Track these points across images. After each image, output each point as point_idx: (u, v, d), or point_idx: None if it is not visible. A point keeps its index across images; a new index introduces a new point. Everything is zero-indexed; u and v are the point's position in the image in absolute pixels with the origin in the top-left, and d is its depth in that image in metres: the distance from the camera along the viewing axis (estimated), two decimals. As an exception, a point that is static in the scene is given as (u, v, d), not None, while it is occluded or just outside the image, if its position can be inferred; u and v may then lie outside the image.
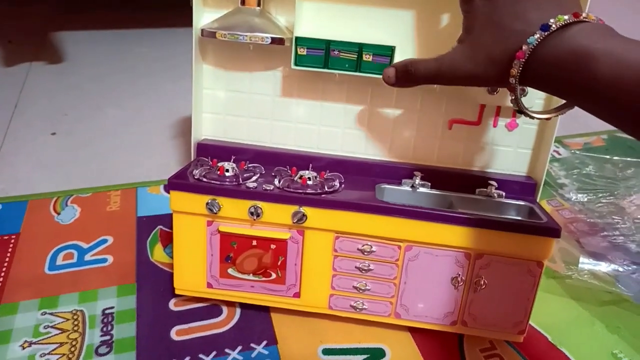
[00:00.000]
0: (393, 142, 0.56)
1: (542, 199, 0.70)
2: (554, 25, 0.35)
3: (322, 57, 0.51)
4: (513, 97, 0.39)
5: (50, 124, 0.86)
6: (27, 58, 1.07)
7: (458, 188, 0.53)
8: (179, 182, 0.48)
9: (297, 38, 0.50)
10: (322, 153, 0.57)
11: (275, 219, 0.48)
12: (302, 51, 0.51)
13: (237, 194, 0.48)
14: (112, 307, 0.53)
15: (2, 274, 0.56)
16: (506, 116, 0.54)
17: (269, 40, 0.50)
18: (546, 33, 0.35)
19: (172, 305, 0.54)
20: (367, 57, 0.50)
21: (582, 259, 0.60)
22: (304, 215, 0.47)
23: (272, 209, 0.48)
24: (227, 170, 0.50)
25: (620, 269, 0.60)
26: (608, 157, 0.83)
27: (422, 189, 0.52)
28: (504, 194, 0.52)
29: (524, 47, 0.36)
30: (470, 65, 0.40)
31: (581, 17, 0.35)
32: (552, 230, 0.46)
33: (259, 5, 0.52)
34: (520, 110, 0.40)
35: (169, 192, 0.49)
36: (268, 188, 0.48)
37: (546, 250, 0.47)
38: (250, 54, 0.54)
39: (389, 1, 0.51)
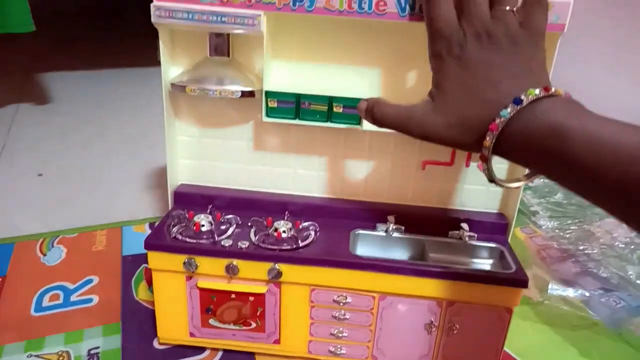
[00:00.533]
0: (367, 182, 0.57)
1: (516, 226, 0.72)
2: (525, 100, 0.36)
3: (293, 108, 0.51)
4: (485, 167, 0.39)
5: (37, 165, 0.87)
6: (14, 100, 1.08)
7: (431, 230, 0.54)
8: (155, 243, 0.49)
9: (266, 92, 0.50)
10: (298, 195, 0.57)
11: (252, 274, 0.49)
12: (273, 103, 0.51)
13: (213, 252, 0.49)
14: (97, 347, 0.55)
15: (-11, 317, 0.58)
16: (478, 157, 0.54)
17: (239, 94, 0.50)
18: (518, 107, 0.36)
19: (157, 344, 0.55)
20: (337, 109, 0.50)
21: (551, 285, 0.62)
22: (279, 272, 0.49)
23: (248, 266, 0.49)
24: (203, 225, 0.51)
25: (587, 294, 0.61)
26: None
27: (395, 234, 0.53)
28: (475, 235, 0.53)
29: (497, 120, 0.36)
30: (442, 127, 0.40)
31: (551, 92, 0.36)
32: (519, 282, 0.48)
33: (228, 55, 0.51)
34: (491, 179, 0.40)
35: (146, 250, 0.50)
36: (243, 246, 0.49)
37: (514, 299, 0.48)
38: (223, 104, 0.54)
39: (356, 60, 0.51)
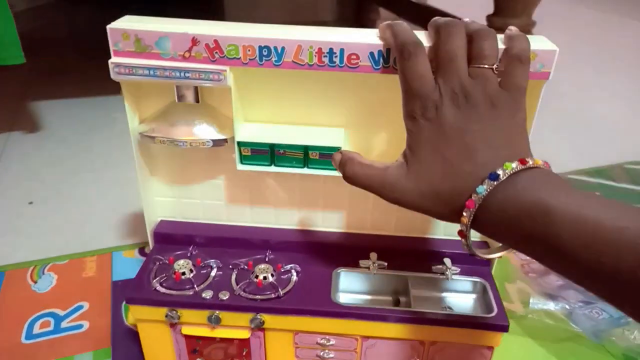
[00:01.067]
0: (349, 216, 0.56)
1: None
2: (502, 175, 0.34)
3: (268, 156, 0.49)
4: (464, 243, 0.38)
5: (27, 193, 0.87)
6: (5, 128, 1.07)
7: (415, 264, 0.54)
8: (137, 297, 0.49)
9: (239, 142, 0.48)
10: (279, 229, 0.56)
11: (234, 323, 0.50)
12: (247, 151, 0.49)
13: (194, 305, 0.49)
14: None
15: (-21, 347, 0.59)
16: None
17: (211, 144, 0.48)
18: (495, 182, 0.34)
19: None
20: (313, 155, 0.48)
21: (532, 299, 0.63)
22: (261, 321, 0.49)
23: (230, 316, 0.49)
24: (184, 273, 0.51)
25: (568, 307, 0.62)
26: None
27: (378, 271, 0.53)
28: (458, 269, 0.53)
29: (474, 197, 0.35)
30: (415, 196, 0.38)
31: (529, 164, 0.35)
32: (499, 327, 0.48)
33: (197, 100, 0.48)
34: (472, 254, 0.40)
35: (128, 304, 0.50)
36: (224, 297, 0.49)
37: (495, 340, 0.49)
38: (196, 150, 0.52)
39: (328, 113, 0.50)
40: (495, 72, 0.37)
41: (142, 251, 0.73)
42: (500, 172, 0.35)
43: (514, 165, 0.35)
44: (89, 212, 0.82)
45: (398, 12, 1.73)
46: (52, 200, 0.85)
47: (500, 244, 0.41)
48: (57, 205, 0.84)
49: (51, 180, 0.90)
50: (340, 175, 0.48)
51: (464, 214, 0.36)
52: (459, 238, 0.54)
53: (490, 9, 1.22)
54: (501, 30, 1.10)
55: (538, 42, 0.42)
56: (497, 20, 1.19)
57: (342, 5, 2.00)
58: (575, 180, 0.93)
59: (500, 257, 0.42)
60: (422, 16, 1.57)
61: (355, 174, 0.41)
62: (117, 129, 1.06)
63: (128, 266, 0.70)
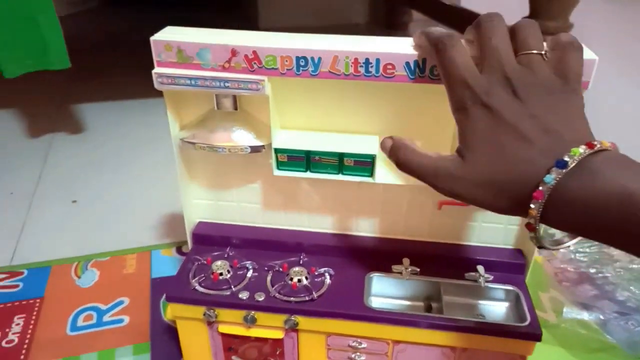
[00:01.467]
0: (382, 221, 0.56)
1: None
2: (570, 161, 0.32)
3: (304, 162, 0.50)
4: (533, 236, 0.35)
5: (71, 192, 0.91)
6: (49, 130, 1.12)
7: (447, 270, 0.54)
8: (175, 296, 0.51)
9: (275, 149, 0.49)
10: (313, 232, 0.58)
11: (269, 323, 0.51)
12: (283, 158, 0.50)
13: (231, 305, 0.51)
14: None
15: (28, 337, 0.62)
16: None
17: (249, 150, 0.49)
18: (564, 170, 0.32)
19: None
20: (348, 162, 0.49)
21: (565, 309, 0.62)
22: (295, 322, 0.50)
23: (265, 316, 0.51)
24: (221, 274, 0.53)
25: (602, 317, 0.61)
26: None
27: (411, 277, 0.54)
28: (492, 277, 0.53)
29: (542, 187, 0.32)
30: (473, 188, 0.36)
31: (597, 147, 0.32)
32: (532, 335, 0.48)
33: (235, 108, 0.50)
34: (541, 246, 0.37)
35: (168, 302, 0.52)
36: (260, 299, 0.50)
37: (528, 349, 0.49)
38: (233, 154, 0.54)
39: (364, 122, 0.50)
40: (545, 58, 0.36)
41: (179, 250, 0.75)
42: (567, 158, 0.32)
43: (581, 150, 0.32)
44: (129, 211, 0.85)
45: (431, 14, 1.72)
46: (94, 199, 0.89)
47: (567, 233, 0.38)
48: (99, 204, 0.87)
49: (93, 180, 0.94)
50: (373, 181, 0.49)
51: (532, 206, 0.33)
52: (492, 245, 0.56)
53: (526, 11, 1.21)
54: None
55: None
56: (533, 23, 1.17)
57: (374, 7, 2.00)
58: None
59: (569, 247, 0.39)
60: (456, 18, 1.56)
61: (408, 161, 0.40)
62: (154, 131, 1.09)
63: (166, 264, 0.73)
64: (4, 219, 0.83)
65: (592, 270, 0.67)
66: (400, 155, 0.40)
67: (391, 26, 1.91)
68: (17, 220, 0.83)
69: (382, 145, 0.43)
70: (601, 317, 0.61)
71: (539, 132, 0.34)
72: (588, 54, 0.42)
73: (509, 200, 0.35)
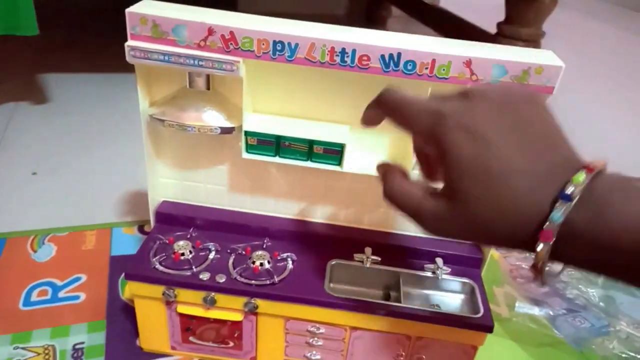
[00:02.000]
0: (348, 210, 0.57)
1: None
2: (576, 191, 0.28)
3: (273, 147, 0.50)
4: (539, 276, 0.31)
5: (31, 164, 0.88)
6: (12, 98, 1.08)
7: (408, 261, 0.55)
8: (135, 274, 0.51)
9: (246, 132, 0.49)
10: (279, 217, 0.58)
11: (229, 305, 0.51)
12: (253, 141, 0.50)
13: (191, 286, 0.50)
14: (82, 343, 0.57)
15: (-23, 309, 0.60)
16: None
17: (219, 131, 0.49)
18: (572, 203, 0.28)
19: (139, 341, 0.58)
20: (318, 150, 0.50)
21: (518, 303, 0.65)
22: (255, 305, 0.51)
23: (225, 298, 0.51)
24: (183, 254, 0.53)
25: (552, 313, 0.64)
26: None
27: (372, 266, 0.55)
28: (449, 270, 0.55)
29: (549, 225, 0.28)
30: (467, 233, 0.32)
31: (596, 169, 0.29)
32: (484, 327, 0.50)
33: (207, 88, 0.50)
34: (545, 283, 0.35)
35: (127, 280, 0.51)
36: (220, 280, 0.50)
37: (479, 339, 0.51)
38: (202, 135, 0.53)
39: (335, 112, 0.51)
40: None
41: (141, 229, 0.74)
42: (571, 188, 0.28)
43: (583, 176, 0.28)
44: (91, 186, 0.83)
45: (409, 11, 1.74)
46: (55, 172, 0.86)
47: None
48: (60, 177, 0.85)
49: (55, 152, 0.92)
50: (341, 170, 0.50)
51: (539, 247, 0.29)
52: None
53: (501, 15, 1.23)
54: (511, 38, 1.12)
55: (545, 57, 0.43)
56: (507, 28, 1.20)
57: (354, 0, 2.01)
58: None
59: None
60: (433, 18, 1.58)
61: (392, 191, 0.36)
62: (123, 107, 1.08)
63: (127, 242, 0.72)
64: (-42, 186, 0.80)
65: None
66: (386, 184, 0.36)
67: (370, 20, 1.92)
68: (-28, 188, 0.80)
69: (377, 167, 0.39)
70: (551, 313, 0.64)
71: (531, 158, 0.30)
72: (556, 60, 0.43)
73: (510, 242, 0.31)
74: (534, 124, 0.31)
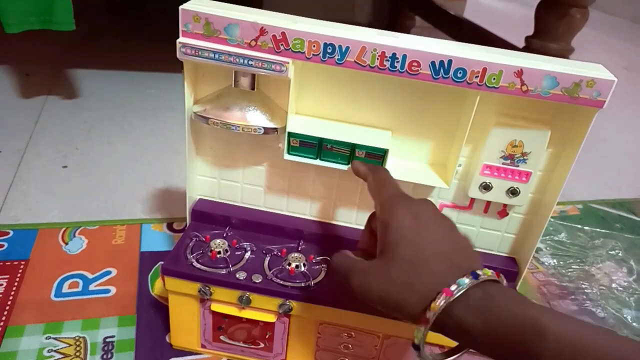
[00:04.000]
0: (383, 217, 0.57)
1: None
2: (482, 275, 0.35)
3: (315, 149, 0.50)
4: (422, 333, 0.36)
5: (61, 157, 0.89)
6: (43, 91, 1.10)
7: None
8: (172, 269, 0.51)
9: (289, 133, 0.49)
10: (314, 220, 0.58)
11: (263, 306, 0.51)
12: (295, 142, 0.50)
13: (227, 284, 0.50)
14: (112, 336, 0.58)
15: (11, 298, 0.61)
16: (497, 207, 0.54)
17: (262, 131, 0.49)
18: (476, 281, 0.34)
19: (169, 338, 0.58)
20: (359, 154, 0.50)
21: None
22: (289, 307, 0.51)
23: (260, 299, 0.51)
24: (219, 253, 0.53)
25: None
26: (580, 226, 0.87)
27: (406, 273, 0.54)
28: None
29: (454, 287, 0.34)
30: (382, 290, 0.37)
31: (499, 278, 0.36)
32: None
33: (252, 88, 0.50)
34: (419, 353, 0.38)
35: (163, 276, 0.52)
36: (257, 280, 0.50)
37: None
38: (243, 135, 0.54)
39: (372, 121, 0.51)
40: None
41: (170, 226, 0.75)
42: (480, 273, 0.35)
43: (490, 272, 0.35)
44: (120, 182, 0.84)
45: (433, 22, 1.74)
46: (85, 166, 0.87)
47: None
48: (89, 171, 0.86)
49: (85, 147, 0.93)
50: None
51: (437, 299, 0.34)
52: (488, 250, 0.57)
53: (530, 30, 1.23)
54: (540, 53, 1.11)
55: (597, 71, 0.43)
56: (535, 42, 1.19)
57: (378, 8, 2.01)
58: (596, 210, 0.93)
59: None
60: (458, 29, 1.58)
61: (335, 261, 0.43)
62: (151, 104, 1.09)
63: (156, 239, 0.72)
64: (-9, 176, 0.82)
65: (575, 286, 0.69)
66: (333, 258, 0.43)
67: (393, 29, 1.92)
68: (5, 179, 0.81)
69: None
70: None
71: (450, 252, 0.37)
72: (608, 75, 0.43)
73: (416, 297, 0.36)
74: (459, 236, 0.39)
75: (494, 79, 0.43)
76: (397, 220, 0.38)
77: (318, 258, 0.54)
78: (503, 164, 0.49)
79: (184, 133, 0.52)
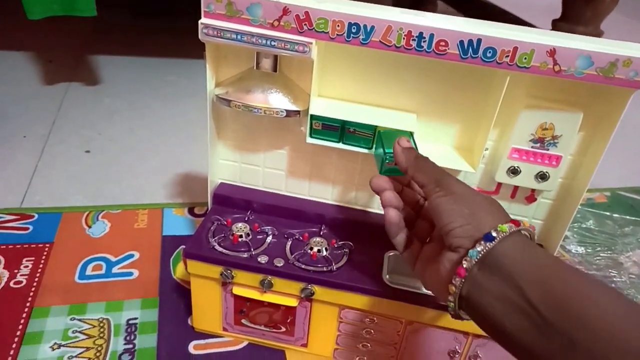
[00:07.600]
0: (407, 202, 0.56)
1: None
2: (496, 235, 0.35)
3: (338, 132, 0.49)
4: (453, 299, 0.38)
5: (84, 142, 0.90)
6: (65, 78, 1.12)
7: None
8: (194, 253, 0.51)
9: (312, 115, 0.48)
10: (336, 204, 0.57)
11: (285, 290, 0.51)
12: (318, 125, 0.49)
13: (249, 268, 0.50)
14: (135, 318, 0.58)
15: (36, 280, 0.62)
16: (524, 192, 0.53)
17: (284, 114, 0.49)
18: (490, 244, 0.35)
19: (191, 321, 0.58)
20: (384, 137, 0.49)
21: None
22: (311, 291, 0.50)
23: (282, 283, 0.50)
24: (241, 236, 0.52)
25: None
26: (609, 214, 0.85)
27: (429, 259, 0.54)
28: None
29: (465, 263, 0.35)
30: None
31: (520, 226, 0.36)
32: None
33: (274, 70, 0.49)
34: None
35: (185, 260, 0.52)
36: (279, 265, 0.50)
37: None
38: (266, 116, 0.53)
39: (397, 104, 0.50)
40: None
41: (191, 211, 0.75)
42: (494, 233, 0.35)
43: (507, 226, 0.36)
44: (142, 167, 0.85)
45: (455, 5, 1.70)
46: (107, 151, 0.88)
47: None
48: (112, 157, 0.86)
49: (107, 132, 0.93)
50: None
51: (452, 282, 0.36)
52: None
53: (552, 15, 1.19)
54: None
55: (634, 50, 0.41)
56: (562, 26, 1.16)
57: (399, -7, 1.98)
58: (625, 198, 0.91)
59: None
60: (483, 13, 1.54)
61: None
62: (171, 91, 1.09)
63: (178, 223, 0.72)
64: (16, 161, 0.82)
65: (603, 275, 0.68)
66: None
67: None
68: (29, 164, 0.82)
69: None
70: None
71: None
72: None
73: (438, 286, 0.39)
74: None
75: (525, 58, 0.41)
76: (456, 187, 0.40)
77: (340, 242, 0.54)
78: (532, 147, 0.48)
79: (203, 119, 0.52)
